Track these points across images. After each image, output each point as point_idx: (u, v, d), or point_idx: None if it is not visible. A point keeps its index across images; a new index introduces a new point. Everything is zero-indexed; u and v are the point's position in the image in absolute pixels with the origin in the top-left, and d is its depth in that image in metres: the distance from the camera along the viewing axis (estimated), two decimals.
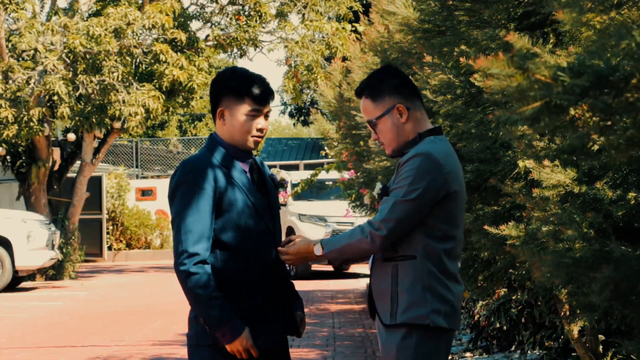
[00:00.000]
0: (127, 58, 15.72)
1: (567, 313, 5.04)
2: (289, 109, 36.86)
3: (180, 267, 3.15)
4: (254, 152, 3.40)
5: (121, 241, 23.34)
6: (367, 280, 15.11)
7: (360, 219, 14.02)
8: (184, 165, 3.24)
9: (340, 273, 17.33)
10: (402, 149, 3.28)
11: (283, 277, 3.36)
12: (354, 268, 18.23)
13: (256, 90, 3.24)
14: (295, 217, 16.33)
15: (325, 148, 16.35)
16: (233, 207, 3.20)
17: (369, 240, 3.14)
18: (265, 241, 3.27)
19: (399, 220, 3.12)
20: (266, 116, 3.30)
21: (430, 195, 3.13)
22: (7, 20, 16.53)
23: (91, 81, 15.41)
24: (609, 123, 1.61)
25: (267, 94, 3.27)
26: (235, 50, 17.72)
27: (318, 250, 3.25)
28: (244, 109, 3.24)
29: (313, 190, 17.08)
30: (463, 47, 4.67)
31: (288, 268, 3.42)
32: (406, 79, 3.33)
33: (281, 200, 13.80)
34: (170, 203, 3.24)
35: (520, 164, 3.85)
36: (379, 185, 3.26)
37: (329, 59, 16.88)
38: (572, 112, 1.60)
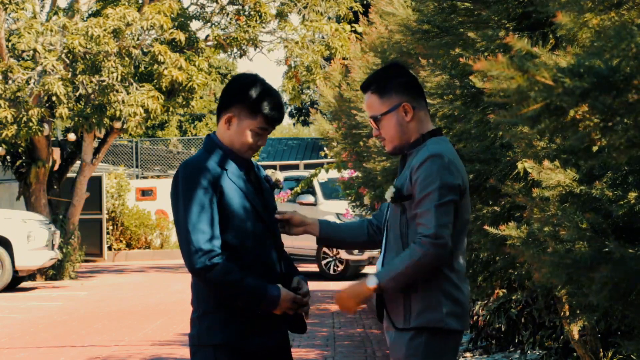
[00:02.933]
0: (127, 58, 15.72)
1: (567, 313, 5.04)
2: (289, 109, 36.87)
3: (197, 266, 3.12)
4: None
5: (121, 241, 23.34)
6: None
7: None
8: (186, 166, 3.23)
9: (340, 274, 17.30)
10: (403, 148, 3.28)
11: (283, 278, 3.35)
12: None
13: (272, 112, 3.21)
14: (333, 216, 16.01)
15: (325, 149, 16.29)
16: (232, 209, 3.19)
17: (433, 251, 3.06)
18: (264, 242, 3.27)
19: (450, 222, 3.10)
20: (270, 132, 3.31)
21: (459, 193, 3.14)
22: (7, 20, 16.53)
23: (90, 81, 15.41)
24: (610, 124, 1.61)
25: (280, 117, 3.25)
26: (235, 50, 17.72)
27: (373, 283, 3.11)
28: (253, 124, 3.21)
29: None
30: (459, 49, 4.67)
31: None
32: (413, 78, 3.33)
33: (311, 199, 13.78)
34: (173, 204, 3.22)
35: (520, 165, 3.84)
36: (392, 189, 3.20)
37: (328, 60, 16.88)
38: (572, 113, 1.60)
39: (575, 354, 6.10)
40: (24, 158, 16.87)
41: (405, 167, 3.25)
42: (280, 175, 3.57)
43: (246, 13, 17.31)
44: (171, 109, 16.61)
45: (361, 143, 10.30)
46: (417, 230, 3.12)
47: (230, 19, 17.62)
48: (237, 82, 3.29)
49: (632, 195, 3.08)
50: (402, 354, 3.18)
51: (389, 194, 3.20)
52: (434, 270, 3.12)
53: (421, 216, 3.11)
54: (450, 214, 3.10)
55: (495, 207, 4.68)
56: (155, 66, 15.81)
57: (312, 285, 15.44)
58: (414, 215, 3.15)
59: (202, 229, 3.13)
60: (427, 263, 3.07)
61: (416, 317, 3.15)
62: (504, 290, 7.24)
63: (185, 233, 3.15)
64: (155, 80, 16.02)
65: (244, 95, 3.22)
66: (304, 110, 34.91)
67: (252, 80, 3.26)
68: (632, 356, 5.14)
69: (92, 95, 15.60)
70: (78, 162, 17.94)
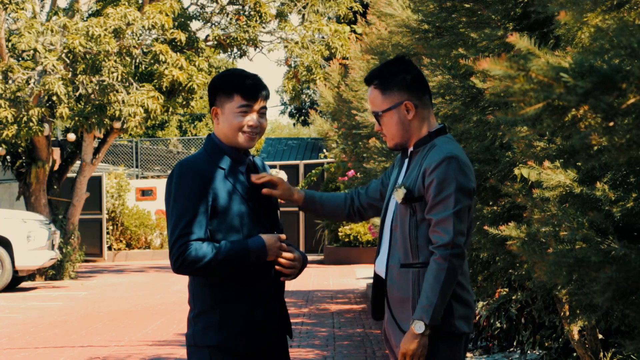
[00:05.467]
0: (127, 58, 15.73)
1: (567, 313, 5.04)
2: (289, 109, 36.89)
3: (175, 267, 3.14)
4: (254, 153, 3.37)
5: (121, 241, 23.34)
6: (367, 280, 15.10)
7: None
8: (180, 166, 3.21)
9: (339, 273, 17.31)
10: (405, 145, 3.26)
11: (279, 278, 3.32)
12: (353, 268, 18.21)
13: (244, 86, 3.21)
14: None
15: (324, 151, 16.31)
16: (228, 209, 3.18)
17: (453, 264, 3.04)
18: None
19: (465, 228, 3.08)
20: (261, 113, 3.25)
21: (472, 195, 3.12)
22: (7, 20, 16.53)
23: (91, 81, 15.41)
24: (611, 124, 1.61)
25: (255, 90, 3.22)
26: (235, 50, 17.73)
27: (420, 328, 3.06)
28: (233, 105, 3.21)
29: None
30: (461, 50, 4.67)
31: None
32: (418, 74, 3.26)
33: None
34: (166, 204, 3.22)
35: (517, 171, 3.84)
36: (402, 190, 3.15)
37: (328, 60, 16.89)
38: (573, 112, 1.59)
39: (575, 354, 6.11)
40: (24, 158, 16.87)
41: (413, 166, 3.21)
42: (283, 174, 3.56)
43: (246, 13, 17.31)
44: (171, 109, 16.61)
45: (360, 144, 10.30)
46: (431, 237, 3.09)
47: (230, 19, 17.63)
48: (213, 79, 3.34)
49: (634, 196, 3.08)
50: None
51: (399, 195, 3.15)
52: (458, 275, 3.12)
53: (438, 224, 3.07)
54: (465, 221, 3.08)
55: (495, 207, 4.68)
56: (156, 66, 15.82)
57: (312, 285, 15.36)
58: (424, 217, 3.12)
59: (186, 232, 3.12)
60: (453, 277, 3.05)
61: None
62: (505, 290, 7.24)
63: (170, 234, 3.16)
64: (156, 80, 16.02)
65: (218, 85, 3.27)
66: (303, 110, 34.92)
67: (224, 72, 3.33)
68: (632, 356, 5.14)
69: (92, 95, 15.60)
70: (78, 162, 17.94)
